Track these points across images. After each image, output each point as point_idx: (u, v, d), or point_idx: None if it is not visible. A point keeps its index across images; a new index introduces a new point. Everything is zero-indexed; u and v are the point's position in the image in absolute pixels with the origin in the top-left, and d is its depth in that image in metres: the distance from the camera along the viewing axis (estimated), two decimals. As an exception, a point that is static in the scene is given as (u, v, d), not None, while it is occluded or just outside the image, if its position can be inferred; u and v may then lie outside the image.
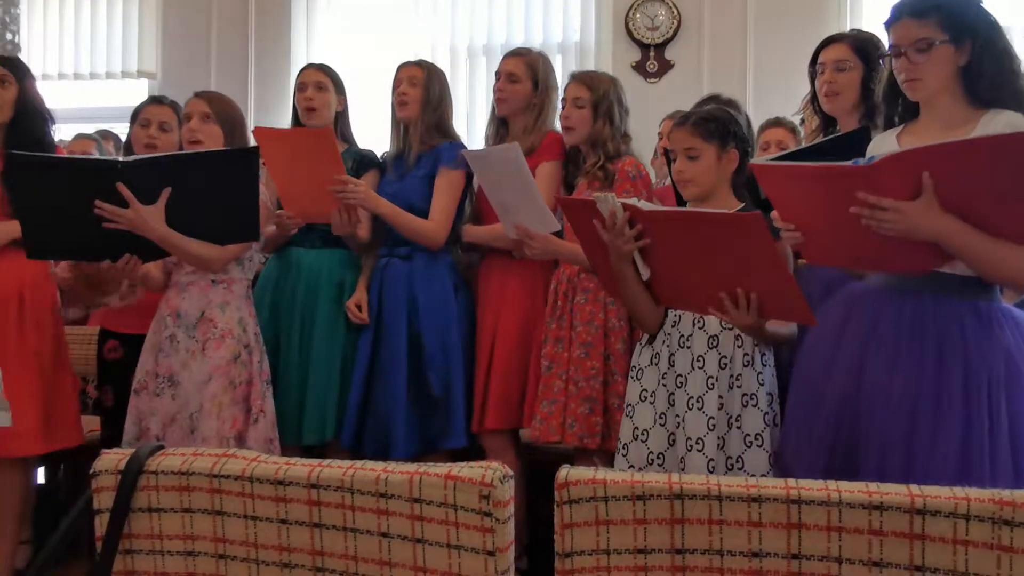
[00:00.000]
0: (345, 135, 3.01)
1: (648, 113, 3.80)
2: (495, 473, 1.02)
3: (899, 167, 1.66)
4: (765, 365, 2.12)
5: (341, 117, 2.99)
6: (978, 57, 1.79)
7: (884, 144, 1.92)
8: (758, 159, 2.28)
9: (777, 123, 3.38)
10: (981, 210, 1.67)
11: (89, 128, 4.35)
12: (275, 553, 1.10)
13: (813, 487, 1.01)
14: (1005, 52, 1.82)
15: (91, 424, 3.12)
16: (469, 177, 2.86)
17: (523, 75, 2.85)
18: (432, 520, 1.03)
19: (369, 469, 1.07)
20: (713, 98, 2.88)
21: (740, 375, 2.10)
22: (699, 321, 2.15)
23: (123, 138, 3.95)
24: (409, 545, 1.05)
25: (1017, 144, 1.62)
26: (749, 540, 1.01)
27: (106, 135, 4.27)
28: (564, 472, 1.07)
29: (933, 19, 1.79)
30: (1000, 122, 1.75)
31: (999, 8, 1.98)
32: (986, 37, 1.80)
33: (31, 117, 2.59)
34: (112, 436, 2.62)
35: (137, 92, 5.06)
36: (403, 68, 2.94)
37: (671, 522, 1.03)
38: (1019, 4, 4.33)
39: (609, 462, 2.40)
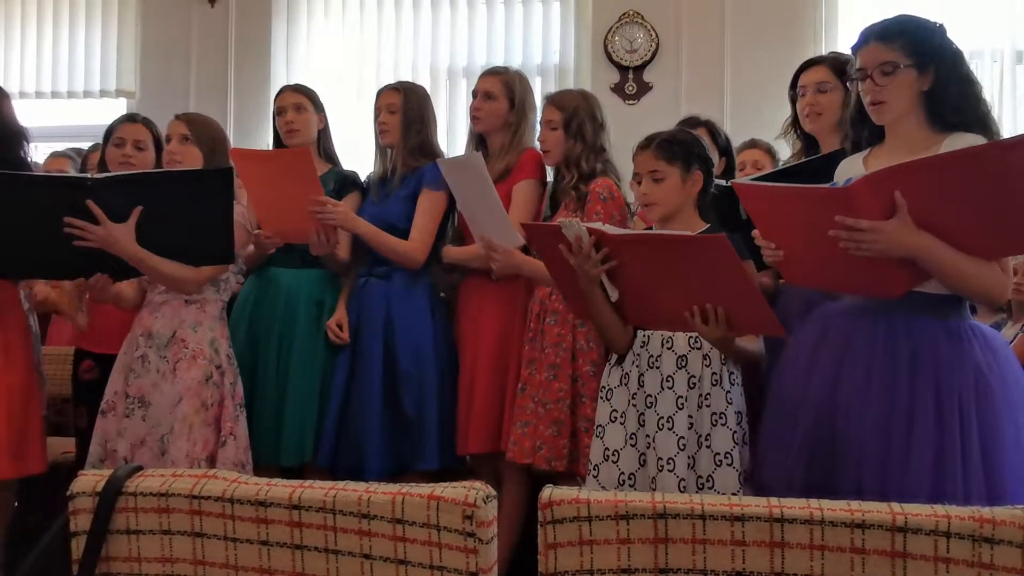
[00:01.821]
0: (328, 154, 3.00)
1: (626, 135, 3.82)
2: (478, 493, 1.01)
3: (873, 187, 1.69)
4: (733, 384, 2.14)
5: (323, 135, 2.99)
6: (941, 83, 1.85)
7: (851, 168, 1.96)
8: (739, 179, 2.31)
9: (753, 144, 3.43)
10: (952, 227, 1.71)
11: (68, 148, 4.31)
12: (255, 575, 1.09)
13: (795, 506, 1.02)
14: (967, 78, 1.88)
15: (63, 445, 3.07)
16: (452, 199, 2.86)
17: (499, 93, 2.86)
18: (415, 541, 1.02)
19: (351, 490, 1.06)
20: (690, 120, 2.91)
21: (709, 394, 2.11)
22: (668, 341, 2.16)
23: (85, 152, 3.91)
24: (392, 566, 1.04)
25: (980, 158, 1.66)
26: (732, 559, 1.02)
27: (79, 153, 4.23)
28: (547, 492, 1.06)
29: (898, 44, 1.85)
30: (961, 144, 1.79)
31: (966, 34, 2.03)
32: (949, 64, 1.86)
33: (6, 139, 2.56)
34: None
35: (115, 111, 5.02)
36: (381, 95, 2.94)
37: (655, 541, 1.03)
38: (985, 30, 4.44)
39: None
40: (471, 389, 2.76)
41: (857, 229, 1.69)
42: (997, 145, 1.75)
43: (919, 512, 0.99)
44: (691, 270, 1.94)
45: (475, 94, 2.92)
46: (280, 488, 1.08)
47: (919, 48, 1.85)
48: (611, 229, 2.09)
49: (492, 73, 2.96)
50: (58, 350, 3.25)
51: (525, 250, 2.60)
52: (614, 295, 2.10)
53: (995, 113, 1.94)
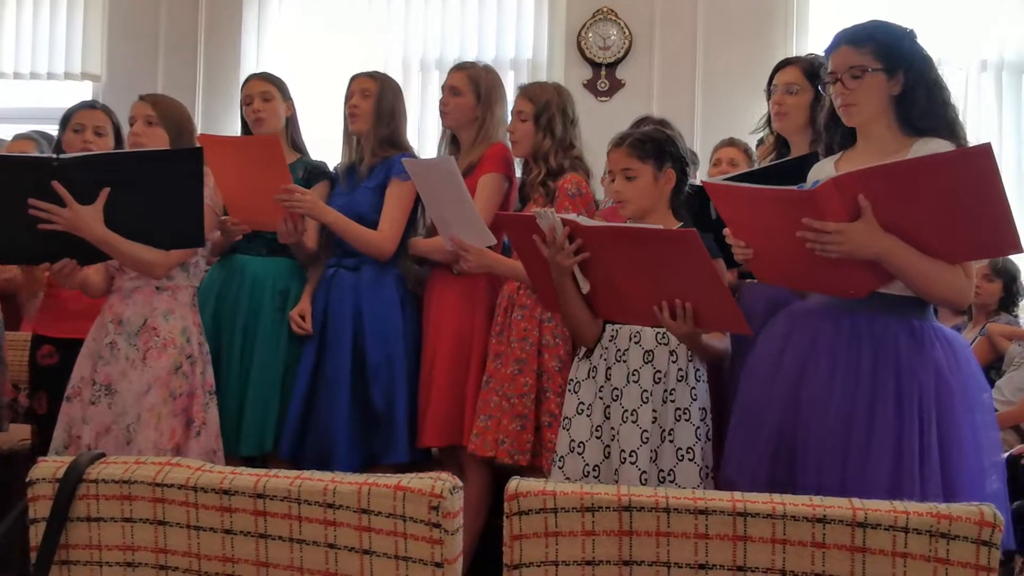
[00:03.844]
0: (296, 143, 2.97)
1: (599, 131, 3.84)
2: (444, 484, 1.01)
3: (839, 190, 1.72)
4: (698, 380, 2.16)
5: (291, 123, 2.96)
6: (910, 87, 1.88)
7: (823, 171, 1.99)
8: (710, 178, 2.33)
9: (731, 143, 3.45)
10: (917, 230, 1.74)
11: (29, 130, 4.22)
12: (218, 564, 1.08)
13: (758, 500, 1.03)
14: (936, 84, 1.91)
15: (20, 433, 3.02)
16: (421, 188, 2.85)
17: (465, 88, 2.84)
18: (380, 531, 1.02)
19: (317, 479, 1.05)
20: (644, 120, 2.92)
21: (674, 390, 2.14)
22: (635, 336, 2.18)
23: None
24: (356, 556, 1.04)
25: (944, 164, 1.70)
26: (696, 552, 1.03)
27: (45, 136, 4.15)
28: (514, 483, 1.07)
29: (868, 48, 1.89)
30: (929, 149, 1.83)
31: (933, 42, 2.06)
32: (918, 69, 1.89)
33: None
34: (46, 443, 2.54)
35: (80, 94, 4.94)
36: (355, 80, 2.91)
37: (619, 534, 1.04)
38: (951, 39, 4.51)
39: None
40: (429, 382, 2.75)
41: (823, 231, 1.72)
42: (961, 152, 1.78)
43: (879, 508, 1.00)
44: (661, 264, 1.96)
45: (443, 89, 2.91)
46: (244, 477, 1.07)
47: (889, 53, 1.88)
48: (585, 221, 2.10)
49: (459, 68, 2.95)
50: (15, 336, 3.19)
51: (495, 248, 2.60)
52: (585, 287, 2.12)
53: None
